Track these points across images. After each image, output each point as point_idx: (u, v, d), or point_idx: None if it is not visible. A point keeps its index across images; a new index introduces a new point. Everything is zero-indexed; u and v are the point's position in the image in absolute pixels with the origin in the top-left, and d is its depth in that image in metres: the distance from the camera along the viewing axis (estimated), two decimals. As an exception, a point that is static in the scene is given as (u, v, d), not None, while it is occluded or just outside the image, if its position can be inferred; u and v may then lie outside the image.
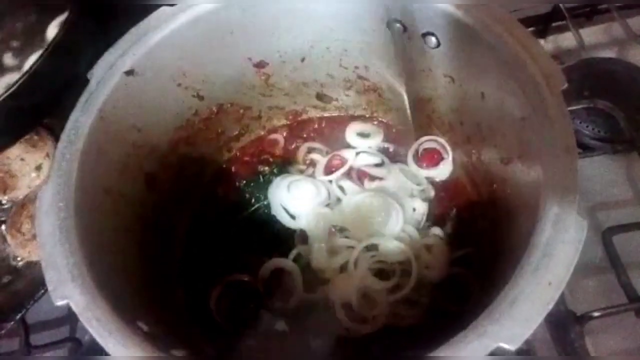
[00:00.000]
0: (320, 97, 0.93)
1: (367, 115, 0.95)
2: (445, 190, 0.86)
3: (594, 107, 0.85)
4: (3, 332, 0.81)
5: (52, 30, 0.73)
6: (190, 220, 0.89)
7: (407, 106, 0.85)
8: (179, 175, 0.86)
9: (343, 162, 0.87)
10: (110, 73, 0.68)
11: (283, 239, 0.83)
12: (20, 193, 0.93)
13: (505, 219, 0.70)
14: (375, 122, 0.94)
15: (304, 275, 0.79)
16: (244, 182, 0.91)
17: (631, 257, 0.76)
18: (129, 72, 0.69)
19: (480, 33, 0.63)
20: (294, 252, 0.81)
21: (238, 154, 0.96)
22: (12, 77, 0.70)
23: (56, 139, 0.67)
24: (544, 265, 0.49)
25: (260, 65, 0.83)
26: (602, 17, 1.05)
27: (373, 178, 0.85)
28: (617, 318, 0.72)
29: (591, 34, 1.04)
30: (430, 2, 0.65)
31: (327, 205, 0.84)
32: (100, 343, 0.52)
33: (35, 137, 0.94)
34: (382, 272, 0.77)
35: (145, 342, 0.53)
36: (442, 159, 0.86)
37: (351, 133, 0.92)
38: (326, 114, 0.96)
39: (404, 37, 0.72)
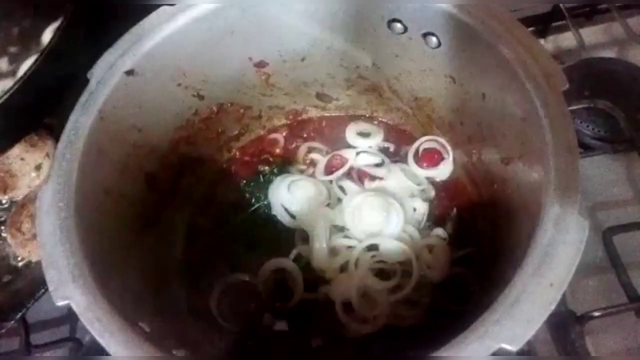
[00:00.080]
0: (320, 96, 0.93)
1: (368, 115, 0.95)
2: (445, 190, 0.86)
3: (594, 107, 0.85)
4: (3, 331, 0.81)
5: (47, 36, 0.73)
6: (190, 220, 0.89)
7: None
8: (179, 175, 0.86)
9: (343, 161, 0.87)
10: (110, 73, 0.68)
11: (283, 238, 0.83)
12: (20, 193, 0.93)
13: (505, 219, 0.70)
14: (376, 122, 0.94)
15: (304, 275, 0.79)
16: (244, 181, 0.91)
17: (631, 257, 0.76)
18: (129, 72, 0.69)
19: (481, 33, 0.63)
20: (294, 252, 0.81)
21: (238, 153, 0.96)
22: (6, 84, 0.69)
23: (56, 138, 0.66)
24: (545, 265, 0.49)
25: (260, 64, 0.83)
26: (602, 17, 1.05)
27: (373, 178, 0.85)
28: (618, 318, 0.72)
29: (591, 33, 1.03)
30: (431, 2, 0.65)
31: (328, 205, 0.84)
32: (102, 343, 0.52)
33: (35, 137, 0.93)
34: (382, 272, 0.77)
35: (146, 343, 0.53)
36: (442, 159, 0.86)
37: (351, 133, 0.92)
38: (326, 114, 0.96)
39: (404, 36, 0.72)
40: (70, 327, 0.90)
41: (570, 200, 0.52)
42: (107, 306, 0.54)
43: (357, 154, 0.88)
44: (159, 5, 0.71)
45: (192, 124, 0.84)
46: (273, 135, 0.96)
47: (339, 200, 0.84)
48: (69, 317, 0.90)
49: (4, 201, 0.95)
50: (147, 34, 0.70)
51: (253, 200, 0.88)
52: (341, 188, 0.85)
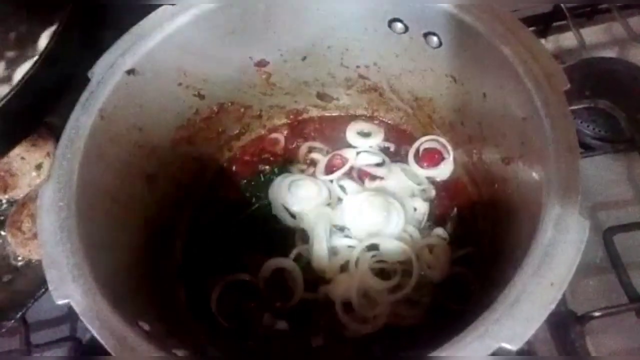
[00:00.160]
0: (321, 96, 0.93)
1: (368, 115, 0.95)
2: (446, 190, 0.86)
3: (594, 106, 0.85)
4: (3, 330, 0.81)
5: (43, 41, 0.73)
6: (191, 219, 0.89)
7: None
8: (179, 174, 0.86)
9: (344, 161, 0.87)
10: (110, 72, 0.68)
11: (284, 238, 0.83)
12: (20, 192, 0.93)
13: (506, 218, 0.70)
14: (376, 122, 0.94)
15: (304, 274, 0.79)
16: (245, 181, 0.91)
17: (632, 257, 0.76)
18: (130, 72, 0.69)
19: (482, 33, 0.63)
20: (294, 252, 0.81)
21: (239, 153, 0.96)
22: (3, 89, 0.69)
23: (57, 138, 0.66)
24: (545, 265, 0.49)
25: (261, 64, 0.83)
26: (603, 17, 1.05)
27: (374, 177, 0.85)
28: (618, 318, 0.72)
29: (592, 33, 1.03)
30: (432, 2, 0.65)
31: (328, 204, 0.84)
32: (102, 343, 0.52)
33: (36, 136, 0.93)
34: (382, 272, 0.77)
35: (147, 342, 0.53)
36: (443, 158, 0.86)
37: (352, 132, 0.92)
38: (327, 113, 0.96)
39: (405, 36, 0.72)
40: (71, 326, 0.90)
41: (570, 200, 0.51)
42: (108, 306, 0.54)
43: (358, 153, 0.88)
44: (159, 5, 0.71)
45: (192, 124, 0.84)
46: (274, 135, 0.96)
47: (340, 199, 0.84)
48: (69, 316, 0.90)
49: (4, 200, 0.95)
50: (148, 33, 0.70)
51: (253, 199, 0.88)
52: (342, 188, 0.85)
